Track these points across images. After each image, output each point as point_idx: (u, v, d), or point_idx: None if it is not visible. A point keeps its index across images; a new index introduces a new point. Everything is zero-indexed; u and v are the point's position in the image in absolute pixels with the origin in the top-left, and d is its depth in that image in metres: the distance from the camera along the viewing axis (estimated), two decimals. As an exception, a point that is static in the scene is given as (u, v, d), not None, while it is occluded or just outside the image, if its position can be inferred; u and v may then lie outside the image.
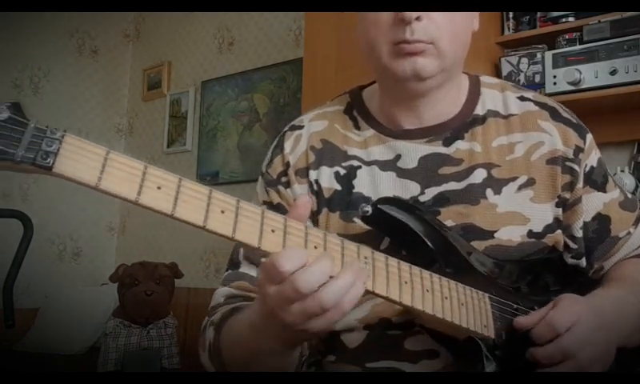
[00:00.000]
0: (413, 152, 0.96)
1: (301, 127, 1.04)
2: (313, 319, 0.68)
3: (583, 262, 1.00)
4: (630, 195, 1.05)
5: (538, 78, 2.09)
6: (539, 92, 1.76)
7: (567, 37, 2.08)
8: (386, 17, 0.89)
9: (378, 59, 0.92)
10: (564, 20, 2.12)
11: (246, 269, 0.98)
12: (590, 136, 0.99)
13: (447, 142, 0.96)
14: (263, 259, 0.93)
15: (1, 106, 0.56)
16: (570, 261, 0.99)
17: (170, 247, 3.76)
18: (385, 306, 0.88)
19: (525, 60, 2.14)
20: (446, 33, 0.89)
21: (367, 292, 0.73)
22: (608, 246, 1.00)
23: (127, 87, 4.27)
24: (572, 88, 2.00)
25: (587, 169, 0.97)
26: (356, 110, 1.03)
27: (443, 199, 0.93)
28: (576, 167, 0.96)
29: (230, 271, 1.01)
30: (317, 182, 0.98)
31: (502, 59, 2.20)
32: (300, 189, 0.98)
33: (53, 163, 0.58)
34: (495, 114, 0.99)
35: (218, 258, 3.57)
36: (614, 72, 1.93)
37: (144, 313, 2.83)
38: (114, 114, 4.21)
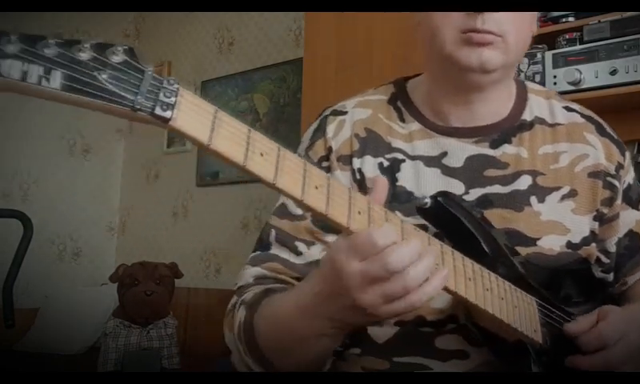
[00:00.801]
0: (460, 151, 0.95)
1: (344, 113, 1.01)
2: (389, 303, 0.67)
3: (611, 276, 1.00)
4: None
5: (538, 78, 2.09)
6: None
7: (567, 37, 2.08)
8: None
9: (442, 47, 0.89)
10: (564, 20, 2.12)
11: (278, 251, 0.95)
12: (628, 153, 1.01)
13: (495, 145, 0.96)
14: (326, 240, 0.92)
15: (116, 48, 0.52)
16: (599, 274, 0.99)
17: (169, 247, 3.76)
18: None
19: (525, 60, 2.13)
20: (514, 28, 0.88)
21: None
22: (636, 263, 1.01)
23: (127, 87, 4.27)
24: (572, 88, 1.99)
25: (625, 185, 0.99)
26: (400, 102, 1.01)
27: (487, 201, 0.93)
28: (616, 183, 0.97)
29: (258, 252, 0.98)
30: (360, 170, 0.96)
31: (502, 59, 2.20)
32: (342, 176, 0.96)
33: (172, 116, 0.54)
34: (542, 121, 0.99)
35: (217, 258, 3.57)
36: (614, 72, 1.93)
37: (144, 313, 2.83)
38: (114, 114, 4.20)
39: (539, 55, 2.12)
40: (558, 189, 0.95)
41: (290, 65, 3.30)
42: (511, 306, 0.81)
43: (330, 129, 0.99)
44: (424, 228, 0.86)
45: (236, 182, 3.50)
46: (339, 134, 0.98)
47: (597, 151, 0.97)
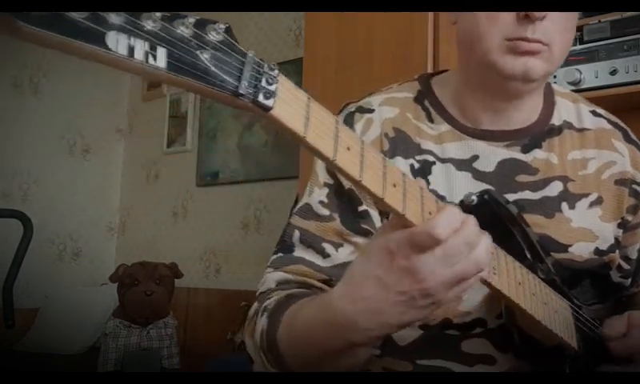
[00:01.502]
0: (492, 155, 0.93)
1: (371, 110, 0.96)
2: (456, 285, 0.64)
3: (629, 281, 1.00)
4: None
5: (538, 78, 2.09)
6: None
7: (567, 37, 2.08)
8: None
9: (485, 52, 0.86)
10: (564, 20, 2.12)
11: (303, 253, 0.91)
12: None
13: (526, 149, 0.94)
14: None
15: (218, 26, 0.48)
16: (618, 279, 0.99)
17: (169, 247, 3.76)
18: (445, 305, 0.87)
19: (525, 60, 2.14)
20: (561, 37, 0.86)
21: (491, 287, 0.71)
22: None
23: (127, 87, 4.27)
24: (572, 88, 1.99)
25: None
26: (428, 101, 0.98)
27: (518, 207, 0.89)
28: None
29: (280, 254, 0.93)
30: None
31: (502, 59, 2.20)
32: None
33: (273, 105, 0.50)
34: (570, 125, 0.98)
35: (217, 258, 3.57)
36: (614, 72, 1.93)
37: (144, 313, 2.83)
38: (114, 114, 4.20)
39: (539, 55, 2.11)
40: (586, 195, 0.94)
41: (290, 65, 3.29)
42: (552, 312, 0.80)
43: (358, 127, 0.95)
44: None
45: (236, 182, 3.50)
46: (367, 133, 0.94)
47: (623, 158, 0.97)
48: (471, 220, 0.64)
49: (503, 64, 0.86)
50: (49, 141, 3.87)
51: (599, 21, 2.01)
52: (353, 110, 0.98)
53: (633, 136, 1.01)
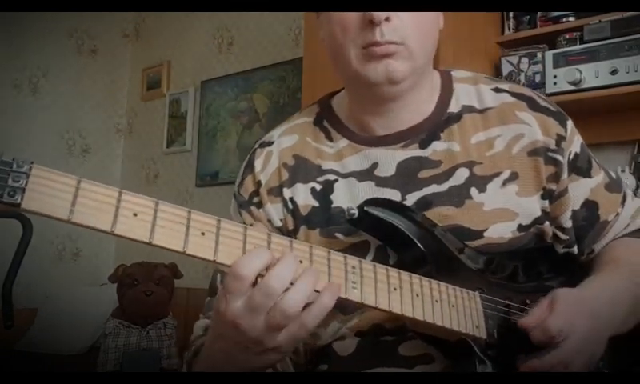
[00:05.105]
0: (390, 159, 0.94)
1: (270, 143, 1.01)
2: (277, 332, 0.66)
3: (575, 249, 0.98)
4: (613, 175, 1.02)
5: (538, 78, 2.09)
6: (539, 92, 1.75)
7: (567, 36, 2.08)
8: (353, 19, 0.86)
9: (348, 64, 0.89)
10: (564, 20, 2.12)
11: None
12: (570, 122, 0.97)
13: (424, 144, 0.94)
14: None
15: None
16: (562, 250, 0.97)
17: (169, 247, 3.75)
18: (376, 311, 0.86)
19: (525, 60, 2.14)
20: (415, 32, 0.87)
21: (356, 303, 0.72)
22: (598, 231, 0.98)
23: (127, 87, 4.27)
24: (572, 88, 1.99)
25: (571, 157, 0.95)
26: (327, 120, 1.01)
27: (426, 203, 0.91)
28: (559, 157, 0.93)
29: (209, 298, 0.98)
30: (292, 199, 0.95)
31: (503, 59, 2.20)
32: (273, 208, 0.96)
33: (21, 200, 0.54)
34: (470, 109, 0.96)
35: (217, 258, 3.56)
36: (614, 72, 1.93)
37: (143, 313, 2.83)
38: (114, 114, 4.20)
39: (539, 55, 2.12)
40: (497, 175, 0.92)
41: (290, 65, 3.29)
42: (447, 307, 0.79)
43: (258, 163, 0.99)
44: (361, 247, 0.87)
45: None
46: (267, 167, 0.98)
47: (531, 128, 0.93)
48: (281, 267, 0.65)
49: (365, 72, 0.87)
50: (49, 141, 3.87)
51: (599, 21, 2.01)
52: (256, 146, 1.02)
53: (541, 102, 0.96)
